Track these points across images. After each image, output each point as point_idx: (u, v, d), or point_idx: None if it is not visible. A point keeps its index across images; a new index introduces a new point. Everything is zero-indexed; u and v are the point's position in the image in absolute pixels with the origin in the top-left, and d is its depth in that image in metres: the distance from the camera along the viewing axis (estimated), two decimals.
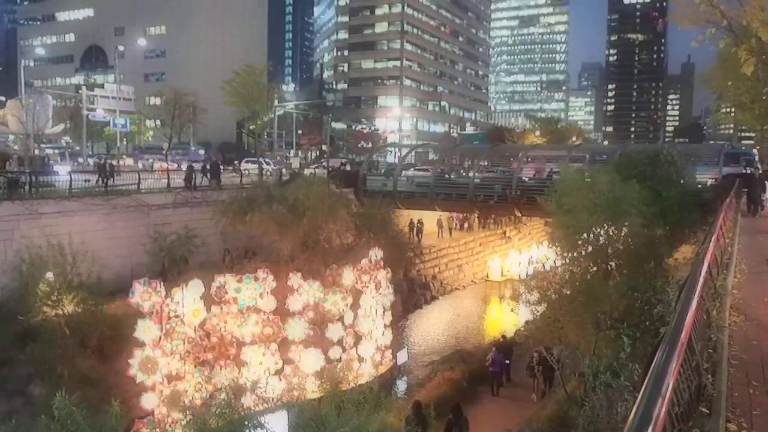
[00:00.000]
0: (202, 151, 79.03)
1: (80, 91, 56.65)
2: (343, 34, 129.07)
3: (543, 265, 25.78)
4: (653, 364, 3.49)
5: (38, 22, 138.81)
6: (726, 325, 6.97)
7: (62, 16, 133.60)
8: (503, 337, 25.16)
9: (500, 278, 43.18)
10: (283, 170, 43.43)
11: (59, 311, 19.95)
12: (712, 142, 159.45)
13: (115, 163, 42.45)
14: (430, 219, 43.43)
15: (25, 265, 21.09)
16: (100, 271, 23.04)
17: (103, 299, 20.66)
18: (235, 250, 28.82)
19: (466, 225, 48.88)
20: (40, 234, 22.93)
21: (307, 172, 45.12)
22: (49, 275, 20.66)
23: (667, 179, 24.81)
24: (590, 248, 20.15)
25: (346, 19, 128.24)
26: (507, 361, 22.51)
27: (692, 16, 16.03)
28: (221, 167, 37.15)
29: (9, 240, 22.76)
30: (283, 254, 26.96)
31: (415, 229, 41.43)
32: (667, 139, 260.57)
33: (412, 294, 36.77)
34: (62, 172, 30.82)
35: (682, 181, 26.60)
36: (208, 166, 36.93)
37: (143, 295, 16.15)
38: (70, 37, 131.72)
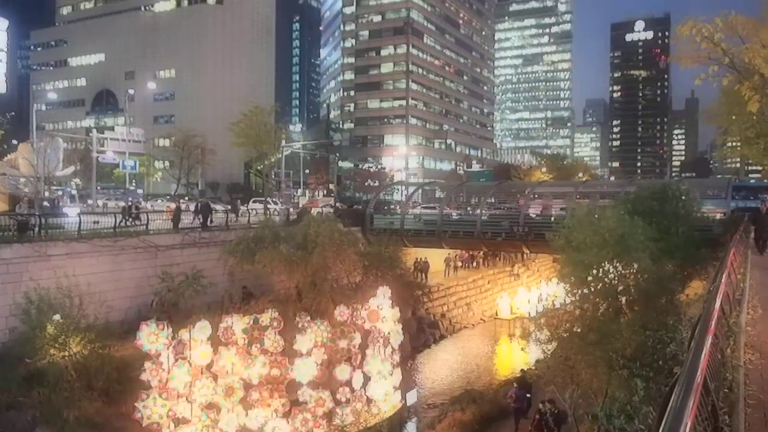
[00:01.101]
0: (140, 191, 77.49)
1: (91, 134, 57.46)
2: (349, 75, 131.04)
3: (552, 303, 25.55)
4: (669, 407, 3.41)
5: (51, 68, 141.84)
6: (741, 364, 6.83)
7: (74, 61, 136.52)
8: (522, 371, 24.70)
9: (509, 316, 42.73)
10: (291, 209, 43.56)
11: (66, 353, 19.85)
12: (719, 176, 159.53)
13: (141, 205, 42.16)
14: (437, 257, 43.27)
15: (32, 307, 21.07)
16: (108, 312, 22.98)
17: (111, 341, 20.56)
18: (240, 291, 28.71)
19: (474, 264, 48.50)
20: (48, 276, 22.98)
21: (314, 211, 45.26)
22: (57, 317, 20.63)
23: (675, 215, 24.72)
24: (600, 285, 19.97)
25: (352, 60, 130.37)
26: (528, 395, 22.01)
27: (694, 55, 16.17)
28: (212, 208, 35.64)
29: (18, 282, 22.79)
30: (291, 293, 26.87)
31: (419, 267, 41.20)
32: (674, 174, 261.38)
33: (420, 333, 36.40)
34: (71, 214, 31.03)
35: (690, 216, 26.48)
36: (198, 207, 35.84)
37: (150, 336, 16.07)
38: (82, 82, 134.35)
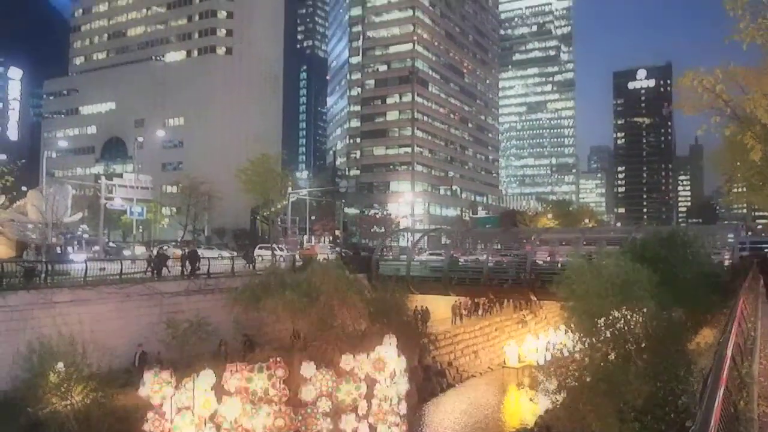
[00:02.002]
0: (113, 244, 70.69)
1: (99, 181, 58.07)
2: (355, 122, 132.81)
3: (561, 351, 25.20)
4: None
5: (62, 116, 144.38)
6: (755, 417, 6.69)
7: (86, 109, 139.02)
8: (541, 417, 24.12)
9: (518, 365, 42.05)
10: (297, 256, 43.54)
11: (68, 402, 19.59)
12: (726, 222, 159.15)
13: (170, 253, 41.33)
14: (441, 304, 42.87)
15: (35, 355, 20.91)
16: (112, 360, 22.78)
17: (113, 390, 20.31)
18: (245, 337, 28.45)
19: (480, 311, 47.77)
20: (52, 323, 22.87)
21: (320, 257, 45.22)
22: (60, 365, 20.43)
23: (683, 261, 24.59)
24: (608, 333, 19.75)
25: (358, 108, 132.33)
26: None
27: (696, 104, 16.35)
28: (199, 256, 34.16)
29: (22, 330, 22.69)
30: (296, 341, 26.64)
31: (420, 317, 40.49)
32: (680, 220, 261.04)
33: (427, 382, 35.81)
34: (78, 260, 31.13)
35: (698, 263, 26.32)
36: (186, 253, 34.87)
37: (153, 386, 15.86)
38: (92, 130, 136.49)
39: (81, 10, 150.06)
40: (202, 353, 24.25)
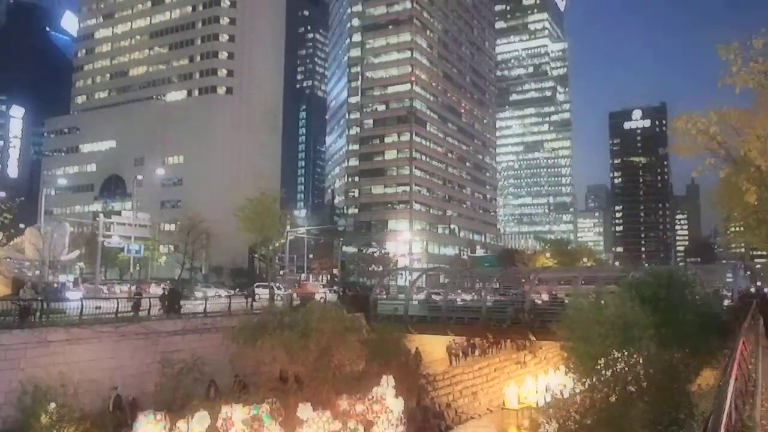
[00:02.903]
0: (79, 290, 68.15)
1: (98, 219, 58.08)
2: (353, 161, 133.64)
3: (561, 393, 24.87)
4: None
5: (63, 153, 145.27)
6: None
7: (86, 147, 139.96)
8: None
9: (517, 406, 41.42)
10: (294, 295, 43.28)
11: None
12: (724, 261, 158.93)
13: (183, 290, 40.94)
14: (443, 344, 42.47)
15: (28, 396, 20.61)
16: (105, 400, 22.41)
17: (106, 431, 19.95)
18: (237, 378, 28.01)
19: (476, 352, 46.91)
20: (46, 363, 22.59)
21: (317, 296, 44.97)
22: (52, 406, 20.13)
23: (683, 301, 24.49)
24: (608, 374, 19.54)
25: (356, 147, 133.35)
26: None
27: (691, 146, 16.52)
28: (179, 294, 33.27)
29: (15, 369, 22.37)
30: (288, 383, 26.26)
31: (449, 352, 40.24)
32: (678, 259, 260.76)
33: (425, 423, 35.15)
34: (74, 298, 30.90)
35: (698, 303, 26.22)
36: (166, 293, 34.04)
37: (147, 427, 15.62)
38: (92, 167, 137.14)
39: (84, 51, 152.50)
40: (191, 394, 23.92)
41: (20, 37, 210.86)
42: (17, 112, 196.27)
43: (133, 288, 41.01)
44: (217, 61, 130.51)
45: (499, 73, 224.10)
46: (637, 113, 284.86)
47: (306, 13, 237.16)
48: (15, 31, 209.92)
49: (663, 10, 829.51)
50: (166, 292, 34.05)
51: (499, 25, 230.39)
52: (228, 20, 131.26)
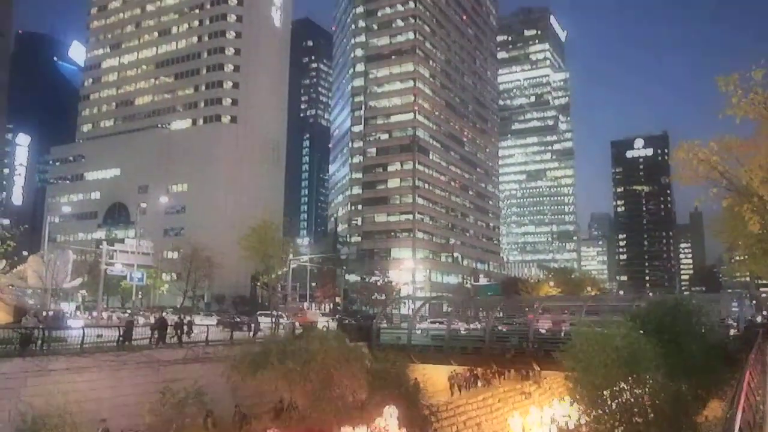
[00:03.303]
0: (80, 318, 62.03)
1: (101, 246, 58.10)
2: (356, 190, 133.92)
3: (566, 424, 24.55)
4: None
5: (67, 181, 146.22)
6: None
7: (90, 175, 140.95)
8: None
9: None
10: (297, 323, 43.08)
11: None
12: (729, 290, 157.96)
13: (191, 319, 40.99)
14: (446, 374, 42.04)
15: (27, 425, 20.40)
16: (105, 431, 22.12)
17: None
18: (237, 409, 27.73)
19: (478, 383, 46.19)
20: (47, 392, 22.41)
21: (320, 324, 44.74)
22: None
23: (689, 331, 24.27)
24: (614, 405, 19.30)
25: (359, 175, 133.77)
26: None
27: (692, 175, 16.54)
28: (167, 324, 32.64)
29: (15, 398, 22.21)
30: (286, 412, 25.97)
31: (450, 382, 39.88)
32: (683, 288, 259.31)
33: None
34: (75, 326, 30.78)
35: (704, 333, 25.97)
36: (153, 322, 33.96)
37: None
38: (96, 195, 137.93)
39: (91, 80, 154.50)
40: (189, 426, 23.65)
41: (29, 67, 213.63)
42: (23, 141, 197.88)
43: (120, 315, 40.88)
44: (222, 90, 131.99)
45: (501, 102, 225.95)
46: (639, 142, 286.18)
47: (310, 43, 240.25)
48: (24, 60, 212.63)
49: (663, 39, 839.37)
50: (155, 322, 33.77)
51: (501, 55, 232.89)
52: (233, 50, 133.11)
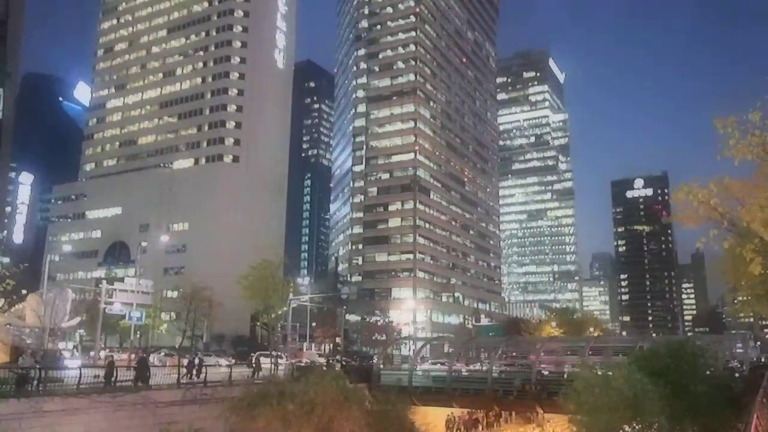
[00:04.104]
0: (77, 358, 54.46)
1: (100, 285, 57.83)
2: (357, 229, 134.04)
3: None
4: None
5: (69, 220, 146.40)
6: None
7: (92, 214, 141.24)
8: None
9: None
10: (296, 364, 42.60)
11: None
12: (733, 331, 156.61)
13: (204, 359, 40.81)
14: (442, 417, 41.31)
15: None
16: None
17: None
18: None
19: (480, 427, 45.31)
20: None
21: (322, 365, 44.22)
22: None
23: (694, 373, 23.93)
24: None
25: (360, 214, 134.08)
26: None
27: (693, 216, 16.56)
28: (148, 364, 32.20)
29: None
30: None
31: (447, 426, 39.18)
32: (686, 328, 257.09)
33: None
34: (72, 366, 30.44)
35: (709, 375, 25.62)
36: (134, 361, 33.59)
37: None
38: (97, 234, 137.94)
39: (95, 119, 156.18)
40: None
41: (34, 107, 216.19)
42: (26, 179, 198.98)
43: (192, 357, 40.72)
44: (225, 130, 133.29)
45: (501, 142, 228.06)
46: (639, 182, 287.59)
47: (312, 84, 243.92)
48: (29, 100, 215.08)
49: (662, 79, 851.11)
50: (136, 362, 33.34)
51: (501, 96, 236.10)
52: (236, 91, 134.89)
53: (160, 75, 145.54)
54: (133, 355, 57.23)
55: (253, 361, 42.87)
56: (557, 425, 50.90)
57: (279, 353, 59.65)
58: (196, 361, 35.91)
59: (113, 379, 27.98)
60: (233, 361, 50.29)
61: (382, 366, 42.09)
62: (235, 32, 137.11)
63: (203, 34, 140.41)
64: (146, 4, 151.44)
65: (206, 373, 32.56)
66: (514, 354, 48.78)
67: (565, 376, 36.19)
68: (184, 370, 31.51)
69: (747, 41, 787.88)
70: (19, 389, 23.92)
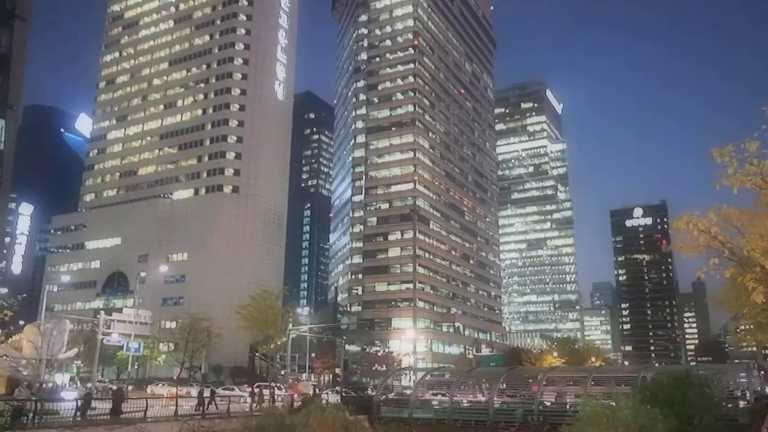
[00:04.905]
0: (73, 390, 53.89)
1: (98, 316, 57.44)
2: (357, 258, 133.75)
3: None
4: None
5: (68, 250, 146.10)
6: None
7: (91, 244, 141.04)
8: None
9: None
10: (295, 396, 42.11)
11: None
12: (736, 360, 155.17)
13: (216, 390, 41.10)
14: None
15: None
16: None
17: None
18: None
19: None
20: None
21: (323, 397, 43.69)
22: None
23: (700, 403, 23.62)
24: None
25: (360, 244, 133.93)
26: None
27: (693, 245, 16.53)
28: (124, 395, 31.49)
29: None
30: None
31: None
32: (689, 358, 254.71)
33: None
34: (68, 398, 30.07)
35: (714, 405, 25.30)
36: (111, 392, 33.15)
37: None
38: (96, 264, 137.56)
39: (96, 151, 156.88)
40: None
41: (35, 138, 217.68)
42: (26, 210, 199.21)
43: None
44: (225, 161, 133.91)
45: (500, 172, 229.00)
46: (638, 211, 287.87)
47: (312, 115, 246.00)
48: (31, 131, 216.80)
49: (659, 107, 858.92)
50: (113, 393, 33.02)
51: (499, 127, 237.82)
52: (236, 122, 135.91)
53: (161, 107, 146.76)
54: (131, 387, 56.73)
55: (255, 392, 42.55)
56: None
57: (278, 384, 59.05)
58: (206, 393, 35.69)
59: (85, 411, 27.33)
60: (250, 390, 49.42)
61: (382, 397, 41.57)
62: (235, 64, 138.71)
63: (204, 66, 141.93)
64: (148, 38, 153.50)
65: (227, 403, 32.41)
66: (515, 385, 48.20)
67: (568, 407, 35.75)
68: (195, 402, 31.95)
69: (748, 63, 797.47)
70: (14, 422, 23.60)
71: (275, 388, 53.53)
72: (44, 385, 43.47)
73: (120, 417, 28.14)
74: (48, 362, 45.06)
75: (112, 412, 28.51)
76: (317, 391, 48.40)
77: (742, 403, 31.88)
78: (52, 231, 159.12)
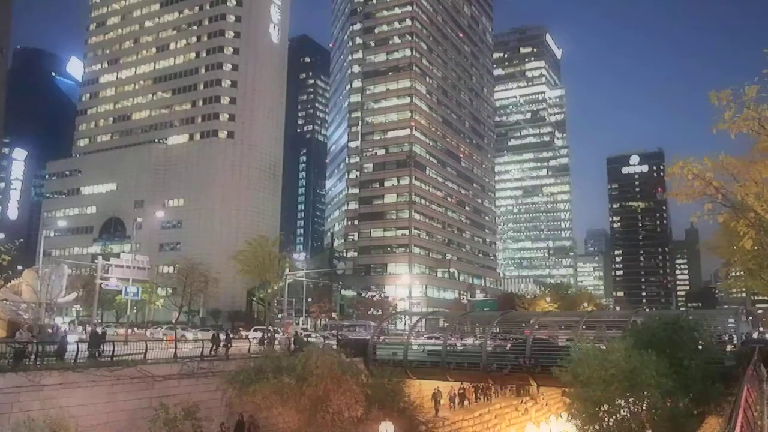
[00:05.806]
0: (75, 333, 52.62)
1: (96, 261, 57.84)
2: (353, 205, 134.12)
3: None
4: None
5: (63, 196, 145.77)
6: None
7: (87, 190, 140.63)
8: None
9: None
10: (292, 339, 42.84)
11: None
12: (725, 306, 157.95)
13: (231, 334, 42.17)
14: (443, 390, 41.73)
15: None
16: None
17: None
18: (250, 418, 27.52)
19: (465, 402, 44.74)
20: (40, 407, 22.20)
21: (316, 339, 44.50)
22: None
23: (688, 348, 24.17)
24: (611, 421, 19.20)
25: (356, 190, 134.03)
26: None
27: (688, 191, 16.54)
28: (103, 337, 30.74)
29: (7, 414, 21.97)
30: (289, 428, 25.78)
31: (435, 399, 39.49)
32: (679, 303, 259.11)
33: None
34: (70, 341, 30.50)
35: (703, 349, 25.89)
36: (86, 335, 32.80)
37: None
38: (92, 210, 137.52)
39: (89, 95, 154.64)
40: None
41: (26, 82, 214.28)
42: (19, 155, 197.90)
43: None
44: (219, 105, 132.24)
45: (497, 118, 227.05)
46: (634, 158, 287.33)
47: (307, 60, 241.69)
48: (21, 75, 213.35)
49: (659, 54, 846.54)
50: (89, 334, 32.48)
51: (497, 72, 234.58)
52: (231, 66, 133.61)
53: (154, 50, 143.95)
54: (130, 330, 57.59)
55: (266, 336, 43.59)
56: (551, 398, 51.66)
57: (276, 328, 60.02)
58: (222, 336, 36.52)
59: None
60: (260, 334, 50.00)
61: (377, 340, 42.34)
62: (229, 6, 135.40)
63: (197, 8, 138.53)
64: None
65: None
66: (508, 329, 49.12)
67: (559, 343, 36.55)
68: (210, 344, 32.49)
69: (746, 20, 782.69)
70: (16, 363, 24.03)
71: (273, 332, 54.39)
72: (53, 329, 44.19)
73: (97, 359, 27.54)
74: (47, 306, 45.61)
75: (91, 355, 27.92)
76: (298, 333, 49.25)
77: (729, 347, 32.63)
78: (47, 176, 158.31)
